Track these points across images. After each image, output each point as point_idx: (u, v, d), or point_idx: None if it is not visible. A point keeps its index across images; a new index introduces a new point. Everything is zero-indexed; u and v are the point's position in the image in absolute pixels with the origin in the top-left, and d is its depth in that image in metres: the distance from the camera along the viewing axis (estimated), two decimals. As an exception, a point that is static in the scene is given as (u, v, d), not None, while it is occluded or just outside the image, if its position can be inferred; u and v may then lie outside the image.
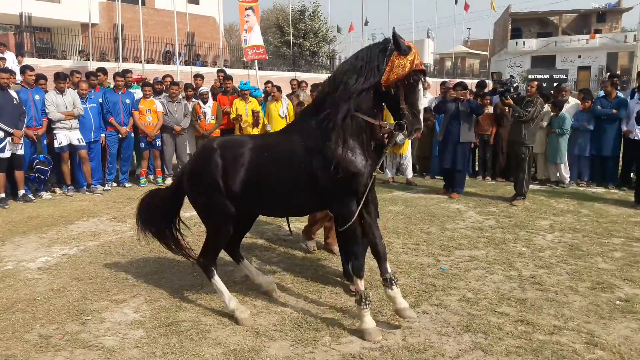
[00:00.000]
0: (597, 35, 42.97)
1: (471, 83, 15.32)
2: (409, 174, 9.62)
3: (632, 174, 9.04)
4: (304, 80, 12.23)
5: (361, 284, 3.66)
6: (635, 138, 8.37)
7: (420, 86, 3.44)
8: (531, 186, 8.58)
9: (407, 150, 9.50)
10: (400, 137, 3.48)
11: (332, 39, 34.27)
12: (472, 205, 7.70)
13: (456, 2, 42.58)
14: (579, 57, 42.95)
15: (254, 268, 4.44)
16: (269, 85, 10.47)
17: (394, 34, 3.37)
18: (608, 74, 11.00)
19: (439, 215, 7.07)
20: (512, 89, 8.01)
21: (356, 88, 3.44)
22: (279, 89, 9.92)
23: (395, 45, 3.36)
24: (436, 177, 9.96)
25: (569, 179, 8.99)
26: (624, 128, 8.53)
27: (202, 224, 4.21)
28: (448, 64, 45.03)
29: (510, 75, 9.51)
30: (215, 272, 4.01)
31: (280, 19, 32.64)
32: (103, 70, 9.60)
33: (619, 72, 37.30)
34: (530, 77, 30.49)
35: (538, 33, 47.15)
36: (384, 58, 3.38)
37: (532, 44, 44.45)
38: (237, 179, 3.71)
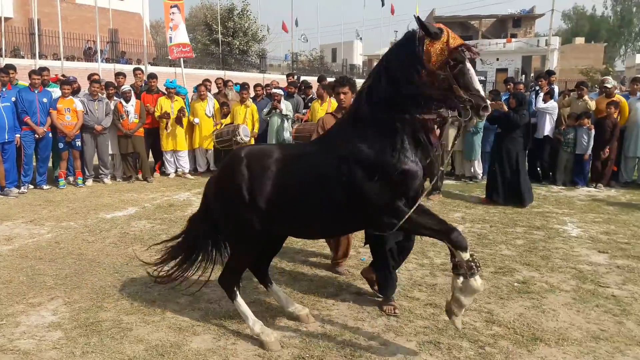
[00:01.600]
0: (513, 40, 45.75)
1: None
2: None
3: (538, 168, 9.83)
4: (230, 80, 12.24)
5: (466, 254, 3.08)
6: (538, 137, 9.21)
7: (469, 64, 3.04)
8: (448, 181, 9.12)
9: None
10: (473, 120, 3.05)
11: (262, 38, 34.23)
12: (394, 200, 8.08)
13: (383, 5, 43.87)
14: (497, 59, 45.50)
15: (284, 294, 4.07)
16: (207, 83, 10.42)
17: (419, 19, 3.03)
18: (504, 78, 11.80)
19: (362, 211, 7.36)
20: None
21: (395, 91, 3.09)
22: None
23: (424, 32, 3.02)
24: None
25: (481, 174, 9.63)
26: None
27: (227, 241, 3.89)
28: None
29: None
30: (238, 293, 3.73)
31: (208, 16, 32.17)
32: (12, 67, 9.10)
33: (532, 75, 40.02)
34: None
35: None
36: (418, 50, 3.03)
37: (454, 47, 46.53)
38: (263, 193, 3.36)
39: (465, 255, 3.07)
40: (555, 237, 6.10)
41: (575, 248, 5.67)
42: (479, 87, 3.02)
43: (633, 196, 8.46)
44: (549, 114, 9.26)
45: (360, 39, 49.99)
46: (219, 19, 30.04)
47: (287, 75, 13.26)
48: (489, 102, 3.04)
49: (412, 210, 3.10)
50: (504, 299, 4.26)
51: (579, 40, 57.66)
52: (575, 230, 6.42)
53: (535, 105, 9.35)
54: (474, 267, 3.05)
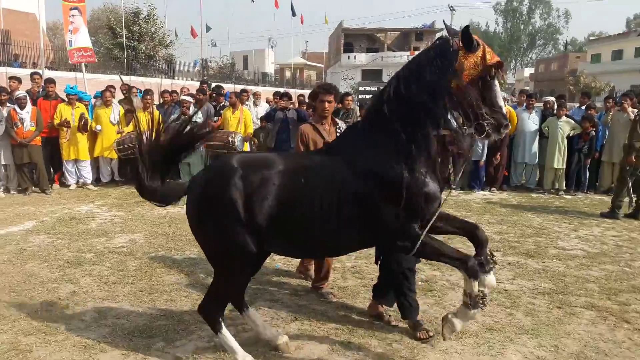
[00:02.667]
0: (416, 52, 48.19)
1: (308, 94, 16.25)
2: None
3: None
4: (134, 86, 11.84)
5: (476, 286, 3.06)
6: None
7: (497, 81, 2.99)
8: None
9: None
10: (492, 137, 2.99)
11: (170, 44, 33.26)
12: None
13: (294, 15, 44.46)
14: (402, 71, 47.78)
15: (262, 320, 3.67)
16: (111, 89, 9.96)
17: (467, 30, 2.93)
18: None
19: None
20: None
21: (424, 100, 2.93)
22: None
23: (463, 43, 2.91)
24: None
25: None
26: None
27: (209, 263, 3.39)
28: (288, 74, 46.71)
29: None
30: (222, 324, 3.31)
31: (112, 20, 30.71)
32: None
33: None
34: (360, 89, 32.99)
35: (367, 48, 51.38)
36: (453, 61, 2.92)
37: (362, 59, 48.27)
38: (264, 210, 2.97)
39: (476, 287, 3.05)
40: (454, 237, 6.53)
41: (472, 248, 6.09)
42: (502, 103, 3.00)
43: (522, 199, 9.29)
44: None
45: (272, 47, 50.24)
46: (124, 23, 28.79)
47: (201, 83, 13.03)
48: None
49: (424, 233, 2.99)
50: (410, 298, 4.51)
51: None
52: (472, 231, 6.91)
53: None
54: (481, 302, 3.05)
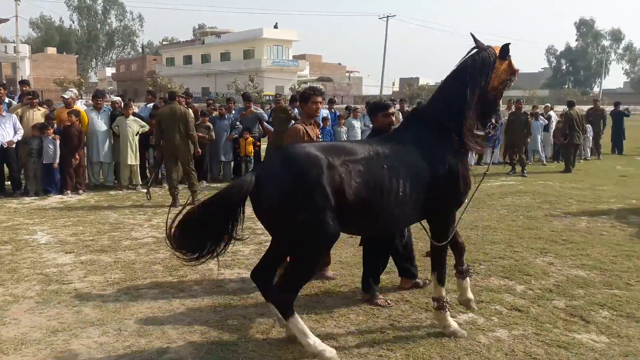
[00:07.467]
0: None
1: None
2: None
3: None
4: None
5: (443, 291, 3.83)
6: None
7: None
8: None
9: None
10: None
11: None
12: None
13: None
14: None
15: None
16: None
17: (507, 45, 3.68)
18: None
19: None
20: None
21: (471, 100, 3.63)
22: None
23: (501, 52, 3.66)
24: None
25: None
26: None
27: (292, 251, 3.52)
28: None
29: None
30: (294, 309, 3.40)
31: None
32: None
33: (5, 82, 37.44)
34: None
35: None
36: (492, 66, 3.63)
37: None
38: (353, 194, 3.29)
39: (442, 292, 3.84)
40: (24, 247, 6.08)
41: (43, 254, 5.83)
42: None
43: (100, 197, 9.33)
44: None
45: None
46: None
47: None
48: None
49: (455, 210, 3.81)
50: (-41, 325, 3.96)
51: (51, 50, 58.02)
52: (45, 237, 6.57)
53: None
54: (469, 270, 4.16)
